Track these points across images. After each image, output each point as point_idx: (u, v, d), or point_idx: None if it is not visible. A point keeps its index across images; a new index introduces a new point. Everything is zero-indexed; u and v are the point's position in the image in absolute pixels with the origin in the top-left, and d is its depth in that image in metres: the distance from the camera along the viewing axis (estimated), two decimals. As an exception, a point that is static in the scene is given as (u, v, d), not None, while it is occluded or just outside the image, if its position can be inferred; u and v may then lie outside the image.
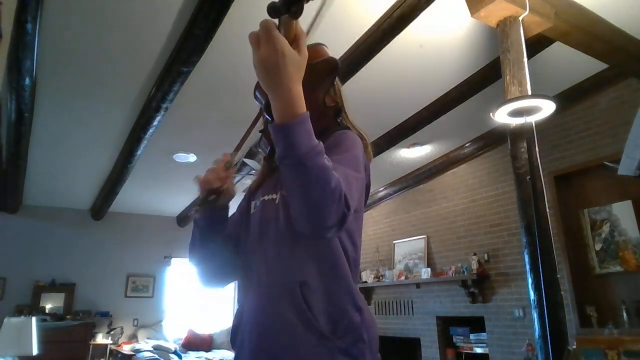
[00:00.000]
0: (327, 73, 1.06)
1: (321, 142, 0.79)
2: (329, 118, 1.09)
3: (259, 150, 1.12)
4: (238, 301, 1.07)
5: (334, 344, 0.87)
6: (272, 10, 0.73)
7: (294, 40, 0.80)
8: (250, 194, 1.16)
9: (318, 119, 0.99)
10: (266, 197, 1.06)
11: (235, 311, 1.05)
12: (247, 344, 0.94)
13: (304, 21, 1.17)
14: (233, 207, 1.13)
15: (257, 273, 0.99)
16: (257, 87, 1.06)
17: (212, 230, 1.09)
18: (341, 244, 0.95)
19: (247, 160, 4.11)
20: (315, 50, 1.06)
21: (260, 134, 1.11)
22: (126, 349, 5.99)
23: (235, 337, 1.01)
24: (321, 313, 0.89)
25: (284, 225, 0.97)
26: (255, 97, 1.06)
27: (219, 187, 1.05)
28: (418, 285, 5.67)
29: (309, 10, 1.19)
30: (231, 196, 1.12)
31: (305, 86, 0.80)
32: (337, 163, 0.86)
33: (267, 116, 1.04)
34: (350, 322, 0.89)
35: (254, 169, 4.04)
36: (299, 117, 0.76)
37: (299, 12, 0.75)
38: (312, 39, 1.41)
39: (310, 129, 0.78)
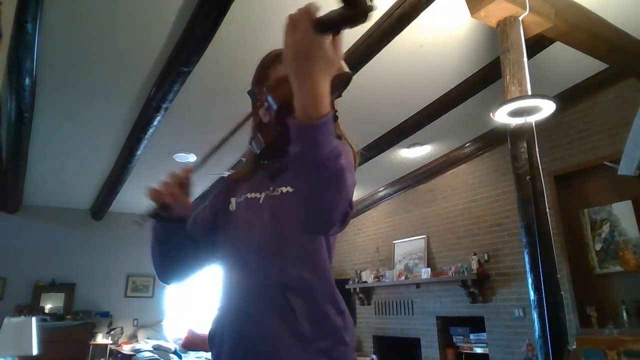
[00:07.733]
0: (340, 85, 1.00)
1: (340, 143, 0.77)
2: None
3: (250, 146, 1.04)
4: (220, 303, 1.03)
5: (316, 347, 0.87)
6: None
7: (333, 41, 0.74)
8: (229, 188, 1.12)
9: None
10: (249, 195, 1.03)
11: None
12: (227, 344, 0.93)
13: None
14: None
15: (239, 275, 0.97)
16: (255, 85, 1.00)
17: (169, 241, 1.06)
18: (327, 248, 0.95)
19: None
20: None
21: (256, 132, 1.05)
22: (126, 349, 5.99)
23: (214, 339, 0.99)
24: (303, 315, 0.88)
25: (269, 226, 0.96)
26: (251, 95, 0.98)
27: (168, 203, 1.00)
28: (418, 285, 5.67)
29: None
30: (186, 211, 1.06)
31: None
32: None
33: (276, 120, 0.95)
34: (332, 325, 0.90)
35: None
36: (325, 117, 0.71)
37: (340, 32, 0.72)
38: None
39: (333, 130, 0.74)
